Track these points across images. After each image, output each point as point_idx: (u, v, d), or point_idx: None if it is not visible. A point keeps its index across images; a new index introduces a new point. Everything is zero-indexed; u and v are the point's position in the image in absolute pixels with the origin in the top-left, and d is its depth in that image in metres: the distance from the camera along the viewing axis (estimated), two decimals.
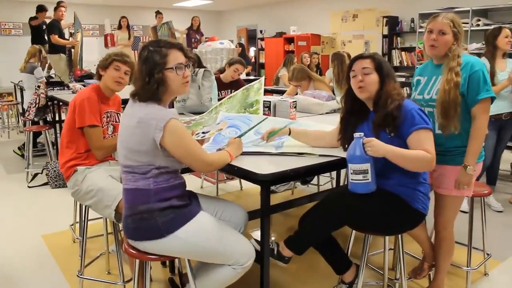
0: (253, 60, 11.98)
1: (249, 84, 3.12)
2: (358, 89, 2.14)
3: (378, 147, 1.96)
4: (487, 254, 3.00)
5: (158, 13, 9.49)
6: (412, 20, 8.29)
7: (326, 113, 3.69)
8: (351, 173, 2.01)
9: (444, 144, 2.32)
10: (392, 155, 1.98)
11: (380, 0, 9.11)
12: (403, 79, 8.31)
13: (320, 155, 2.21)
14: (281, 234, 3.19)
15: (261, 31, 12.53)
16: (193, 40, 9.52)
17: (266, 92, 6.05)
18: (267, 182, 1.99)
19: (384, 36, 8.83)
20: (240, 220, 2.25)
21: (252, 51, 12.94)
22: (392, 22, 8.72)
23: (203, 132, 2.59)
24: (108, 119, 2.74)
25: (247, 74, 9.76)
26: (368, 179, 1.98)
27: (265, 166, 2.04)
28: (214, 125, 2.66)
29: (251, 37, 13.15)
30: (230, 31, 13.98)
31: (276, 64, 9.77)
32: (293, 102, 3.14)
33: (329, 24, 10.35)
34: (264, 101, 3.06)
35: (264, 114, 3.01)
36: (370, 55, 2.17)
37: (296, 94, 4.61)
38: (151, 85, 1.87)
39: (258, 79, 3.14)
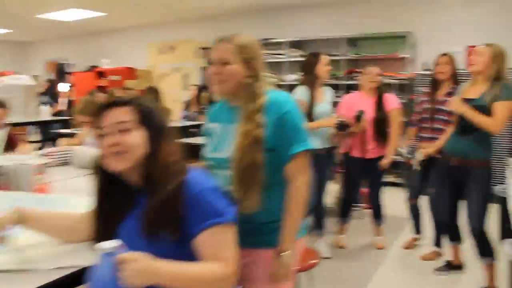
0: (65, 97, 10.52)
1: None
2: (111, 157, 1.32)
3: (142, 272, 1.14)
4: None
5: None
6: None
7: None
8: None
9: (252, 219, 1.60)
10: (170, 280, 1.21)
11: (199, 32, 8.63)
12: None
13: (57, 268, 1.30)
14: None
15: (70, 65, 11.16)
16: None
17: None
18: None
19: (203, 68, 8.31)
20: None
21: (63, 87, 11.43)
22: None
23: None
24: None
25: (57, 114, 8.43)
26: None
27: None
28: None
29: (62, 71, 11.64)
30: (38, 65, 12.27)
31: None
32: (41, 165, 2.13)
33: (145, 56, 9.55)
34: None
35: None
36: (129, 101, 1.37)
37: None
38: None
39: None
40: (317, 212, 3.80)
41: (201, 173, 1.40)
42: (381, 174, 3.93)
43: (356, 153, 3.82)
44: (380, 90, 3.88)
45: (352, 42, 6.78)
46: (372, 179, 3.96)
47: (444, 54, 3.63)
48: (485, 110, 2.88)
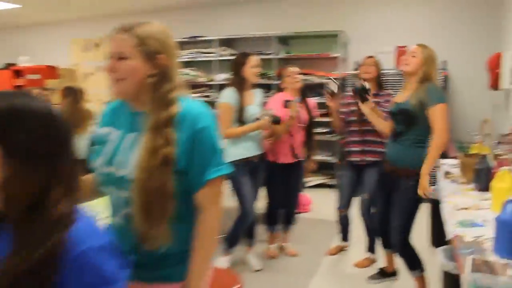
0: None
1: None
2: None
3: None
4: None
5: None
6: None
7: None
8: None
9: (155, 250, 1.33)
10: None
11: None
12: None
13: None
14: None
15: None
16: None
17: None
18: None
19: None
20: None
21: None
22: None
23: None
24: None
25: None
26: None
27: None
28: None
29: None
30: None
31: None
32: None
33: (68, 54, 8.93)
34: None
35: None
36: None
37: None
38: None
39: None
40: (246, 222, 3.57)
41: (89, 222, 1.02)
42: (301, 179, 3.91)
43: (282, 160, 3.65)
44: (304, 91, 3.80)
45: (284, 40, 6.62)
46: (292, 184, 3.81)
47: (370, 57, 3.63)
48: (408, 114, 2.77)
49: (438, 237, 3.89)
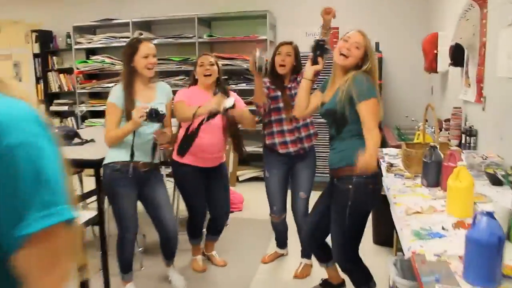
0: None
1: None
2: None
3: None
4: None
5: None
6: (68, 35, 6.71)
7: None
8: None
9: None
10: None
11: (28, 11, 7.23)
12: (65, 108, 6.74)
13: None
14: None
15: None
16: None
17: None
18: None
19: (35, 56, 7.00)
20: None
21: None
22: (45, 38, 6.97)
23: None
24: None
25: None
26: None
27: None
28: None
29: None
30: None
31: None
32: None
33: None
34: None
35: None
36: None
37: None
38: None
39: None
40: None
41: None
42: (225, 179, 3.31)
43: (198, 164, 3.08)
44: (221, 84, 3.14)
45: (207, 22, 6.08)
46: (215, 187, 3.23)
47: (288, 43, 3.07)
48: (336, 115, 2.35)
49: (381, 233, 3.59)
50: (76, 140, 3.44)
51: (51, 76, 6.94)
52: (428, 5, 5.30)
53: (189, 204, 3.21)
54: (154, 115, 2.57)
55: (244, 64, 5.59)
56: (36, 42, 6.93)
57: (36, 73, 7.01)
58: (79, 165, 2.99)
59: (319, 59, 2.47)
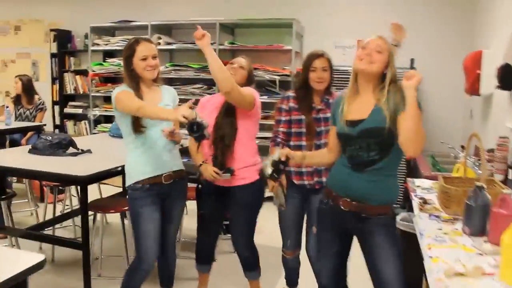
0: None
1: None
2: None
3: None
4: None
5: None
6: (86, 36, 6.47)
7: None
8: None
9: None
10: None
11: (49, 10, 7.04)
12: (79, 110, 6.49)
13: None
14: None
15: None
16: None
17: None
18: None
19: (53, 55, 6.78)
20: None
21: None
22: (63, 38, 6.75)
23: None
24: None
25: None
26: None
27: None
28: None
29: None
30: None
31: None
32: None
33: None
34: None
35: None
36: None
37: None
38: None
39: None
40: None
41: None
42: (250, 206, 2.81)
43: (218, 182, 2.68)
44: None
45: (229, 29, 5.74)
46: (234, 213, 2.81)
47: (320, 55, 2.64)
48: (382, 134, 1.95)
49: (407, 276, 3.13)
50: (71, 149, 3.11)
51: (67, 77, 6.71)
52: (472, 19, 4.84)
53: (202, 224, 2.84)
54: (195, 128, 2.10)
55: (266, 75, 5.21)
56: (54, 41, 6.72)
57: (52, 73, 6.79)
58: (60, 181, 2.66)
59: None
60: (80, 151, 3.11)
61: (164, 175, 2.46)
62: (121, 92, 2.38)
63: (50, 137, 3.07)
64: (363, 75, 2.01)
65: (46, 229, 3.50)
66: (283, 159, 2.07)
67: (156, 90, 2.55)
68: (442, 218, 2.23)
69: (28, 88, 5.45)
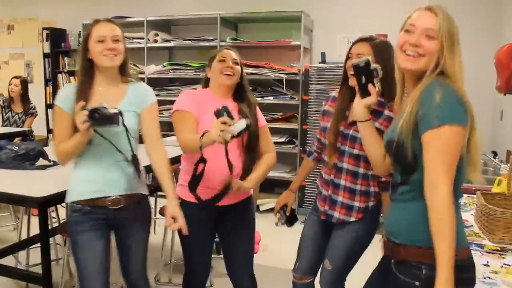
0: None
1: None
2: None
3: None
4: None
5: None
6: (80, 34, 6.06)
7: None
8: None
9: None
10: None
11: (42, 7, 6.65)
12: None
13: None
14: None
15: None
16: None
17: None
18: None
19: (45, 56, 6.38)
20: None
21: None
22: (57, 37, 6.34)
23: None
24: None
25: None
26: None
27: None
28: None
29: None
30: None
31: None
32: None
33: None
34: None
35: None
36: None
37: None
38: None
39: None
40: None
41: None
42: (248, 230, 2.34)
43: (203, 195, 2.10)
44: (241, 93, 2.26)
45: (231, 23, 5.28)
46: (227, 237, 2.34)
47: (363, 40, 2.00)
48: (402, 150, 1.37)
49: None
50: (42, 161, 2.67)
51: (61, 78, 6.30)
52: (500, 11, 4.34)
53: (188, 260, 2.34)
54: (97, 116, 1.74)
55: (272, 73, 4.75)
56: (47, 41, 6.32)
57: (45, 75, 6.39)
58: (12, 202, 2.21)
59: (370, 87, 1.58)
60: (51, 163, 2.66)
61: (110, 198, 1.95)
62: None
63: (17, 147, 2.62)
64: (407, 73, 1.47)
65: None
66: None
67: (121, 87, 2.01)
68: (486, 247, 1.79)
69: (26, 92, 5.11)
